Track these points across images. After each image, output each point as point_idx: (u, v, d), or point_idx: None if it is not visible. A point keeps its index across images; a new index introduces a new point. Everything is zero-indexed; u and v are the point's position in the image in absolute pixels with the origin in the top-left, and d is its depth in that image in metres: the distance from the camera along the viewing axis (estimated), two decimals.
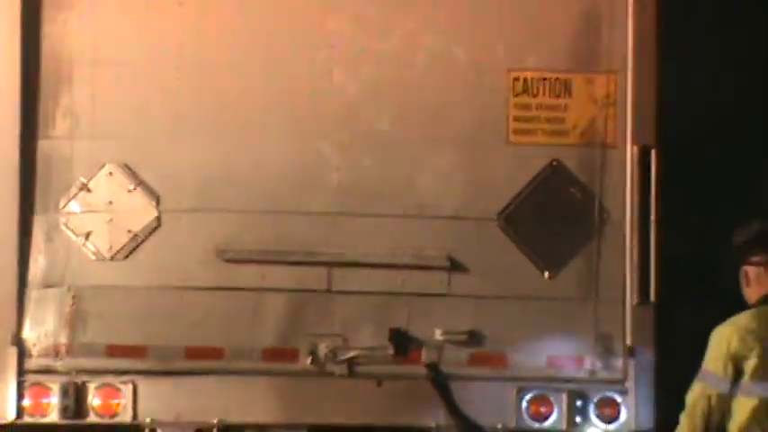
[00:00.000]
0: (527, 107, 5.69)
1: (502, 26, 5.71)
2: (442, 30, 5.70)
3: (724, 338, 4.52)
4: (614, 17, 5.71)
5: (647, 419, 5.63)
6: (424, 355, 5.63)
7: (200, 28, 5.67)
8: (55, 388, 5.50)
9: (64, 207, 5.58)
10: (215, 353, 5.60)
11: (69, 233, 5.58)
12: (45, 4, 5.64)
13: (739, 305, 4.72)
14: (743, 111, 7.53)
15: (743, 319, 4.56)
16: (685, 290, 6.33)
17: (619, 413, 5.63)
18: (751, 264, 4.64)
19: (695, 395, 4.52)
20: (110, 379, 5.57)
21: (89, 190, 5.60)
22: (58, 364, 5.52)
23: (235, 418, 5.61)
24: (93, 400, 5.56)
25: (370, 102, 5.69)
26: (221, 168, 5.63)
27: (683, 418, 4.56)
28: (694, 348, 5.14)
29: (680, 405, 4.68)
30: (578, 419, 5.66)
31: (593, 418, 5.65)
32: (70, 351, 5.55)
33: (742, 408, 4.47)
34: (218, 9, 5.70)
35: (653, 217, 5.66)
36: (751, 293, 4.65)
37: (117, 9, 5.68)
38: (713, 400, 4.48)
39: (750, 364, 4.46)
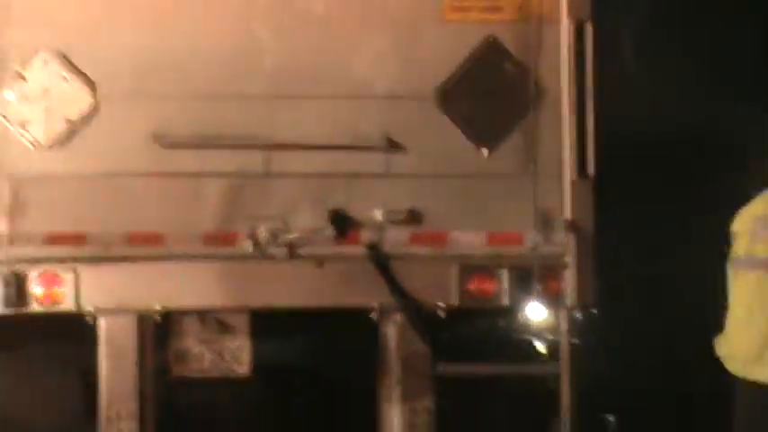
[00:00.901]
0: None
1: None
2: None
3: None
4: None
5: (589, 293, 5.62)
6: (365, 236, 5.63)
7: None
8: None
9: None
10: (155, 238, 5.60)
11: (5, 122, 5.56)
12: None
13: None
14: None
15: None
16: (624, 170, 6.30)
17: (561, 287, 5.62)
18: None
19: None
20: (50, 267, 5.56)
21: (24, 78, 5.58)
22: None
23: (176, 303, 5.62)
24: (35, 288, 5.55)
25: None
26: (156, 54, 5.61)
27: None
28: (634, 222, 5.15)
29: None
30: (521, 295, 5.65)
31: (535, 293, 5.64)
32: (10, 240, 5.54)
33: None
34: None
35: (590, 91, 5.64)
36: None
37: None
38: None
39: None
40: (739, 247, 4.72)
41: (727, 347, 4.75)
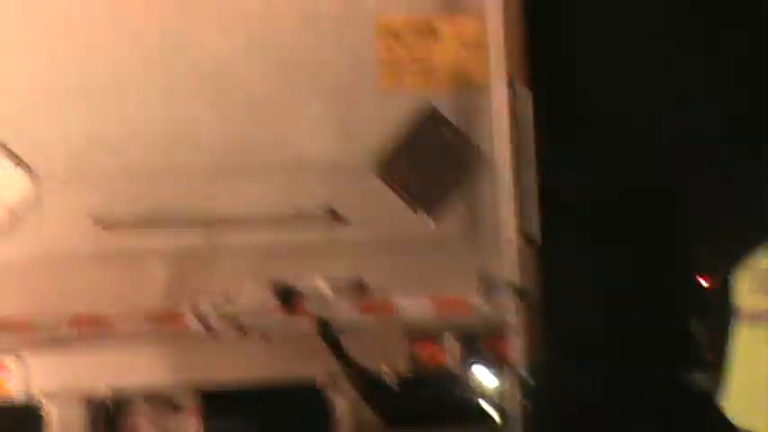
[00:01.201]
0: (393, 51, 5.70)
1: None
2: None
3: None
4: None
5: (535, 357, 5.64)
6: (311, 308, 5.63)
7: None
8: None
9: None
10: (100, 320, 5.58)
11: None
12: None
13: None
14: None
15: None
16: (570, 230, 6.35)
17: (507, 352, 5.64)
18: None
19: None
20: None
21: None
22: None
23: (124, 383, 5.60)
24: None
25: (241, 58, 5.69)
26: (91, 135, 5.61)
27: None
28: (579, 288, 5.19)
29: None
30: (469, 359, 5.67)
31: (483, 356, 5.66)
32: None
33: None
34: None
35: (529, 154, 5.68)
36: None
37: None
38: None
39: None
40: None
41: (728, 399, 4.77)
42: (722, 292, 4.86)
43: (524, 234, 5.64)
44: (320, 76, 5.71)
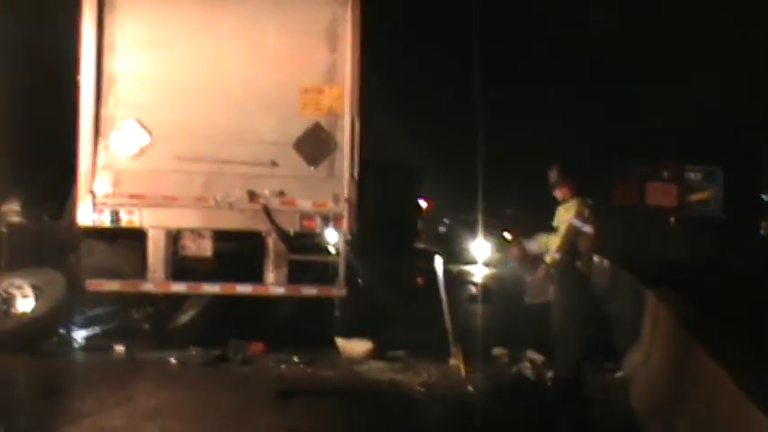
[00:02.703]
0: (306, 96, 13.69)
1: (293, 63, 13.70)
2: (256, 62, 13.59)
3: None
4: (342, 61, 13.75)
5: (353, 228, 13.87)
6: (262, 201, 13.69)
7: None
8: None
9: None
10: (173, 197, 13.56)
11: None
12: None
13: None
14: None
15: None
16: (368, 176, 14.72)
17: (342, 225, 13.79)
18: None
19: None
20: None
21: None
22: None
23: (180, 225, 13.70)
24: None
25: (244, 86, 13.72)
26: (182, 114, 13.61)
27: None
28: (371, 201, 13.54)
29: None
30: (325, 227, 13.82)
31: (331, 226, 13.84)
32: None
33: None
34: None
35: (356, 144, 13.79)
36: None
37: None
38: None
39: None
40: None
41: None
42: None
43: (352, 176, 13.68)
44: (276, 103, 13.63)
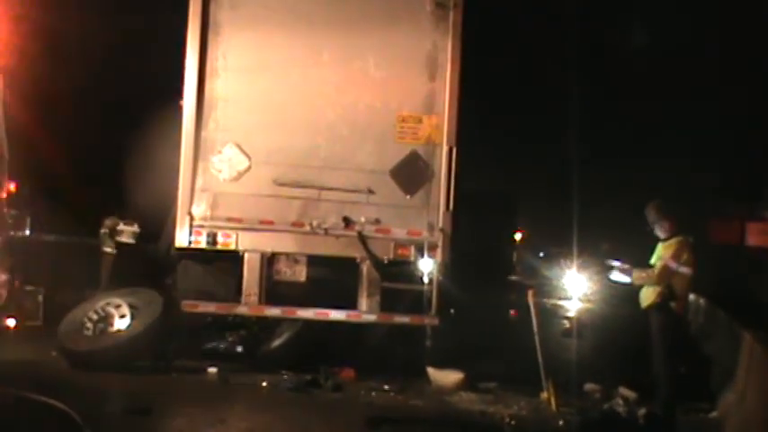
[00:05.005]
0: (403, 125, 13.71)
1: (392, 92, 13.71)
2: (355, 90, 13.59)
3: None
4: (441, 90, 13.75)
5: (447, 257, 13.82)
6: (357, 228, 13.71)
7: None
8: None
9: None
10: (270, 222, 13.72)
11: None
12: None
13: None
14: None
15: None
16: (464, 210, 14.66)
17: (436, 254, 13.72)
18: None
19: None
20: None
21: None
22: None
23: (275, 249, 13.82)
24: None
25: (341, 114, 13.81)
26: (277, 141, 13.72)
27: None
28: (466, 232, 13.49)
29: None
30: (419, 256, 13.74)
31: (426, 255, 13.78)
32: None
33: None
34: None
35: (452, 174, 13.74)
36: None
37: None
38: None
39: None
40: None
41: None
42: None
43: (447, 206, 13.66)
44: (374, 131, 13.67)
